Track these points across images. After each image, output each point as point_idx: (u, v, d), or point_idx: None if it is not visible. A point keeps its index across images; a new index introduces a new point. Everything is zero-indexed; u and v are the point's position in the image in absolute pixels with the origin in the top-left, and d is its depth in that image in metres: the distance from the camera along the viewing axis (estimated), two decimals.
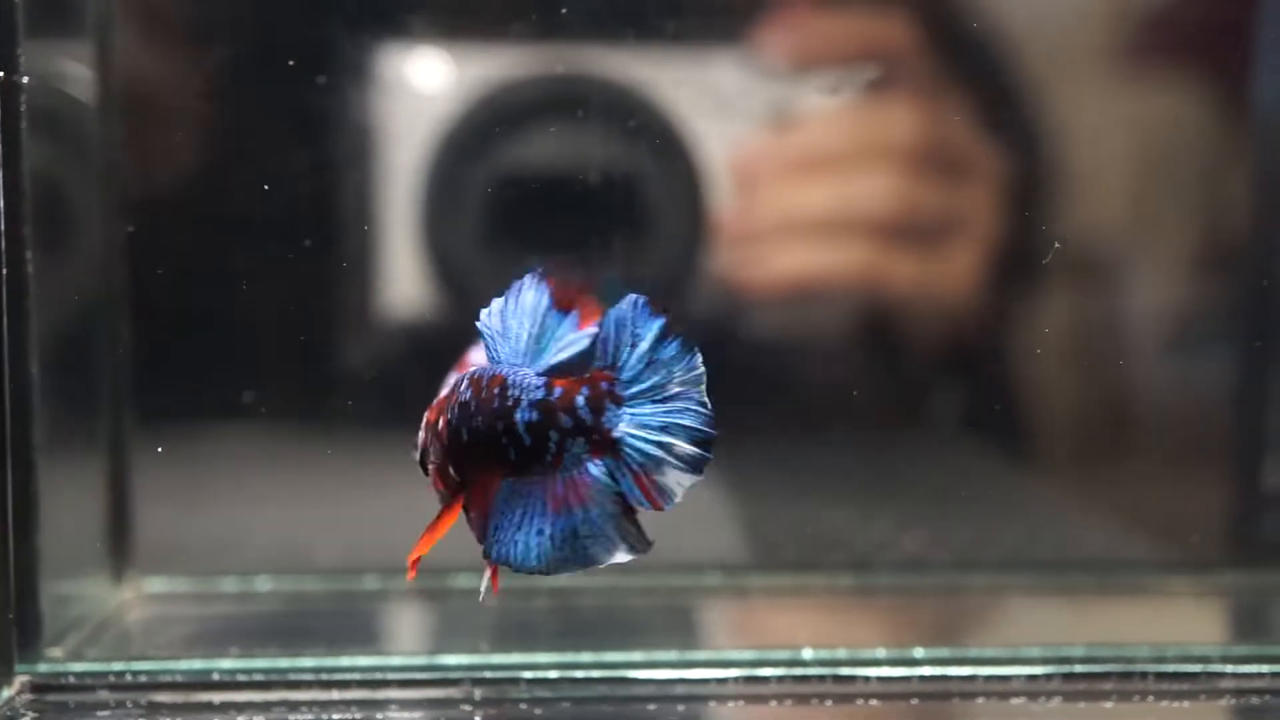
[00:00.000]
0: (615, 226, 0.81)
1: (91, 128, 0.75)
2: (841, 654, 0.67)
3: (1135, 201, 0.88)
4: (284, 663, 0.66)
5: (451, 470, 0.53)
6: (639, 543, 0.52)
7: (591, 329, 0.53)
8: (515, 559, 0.52)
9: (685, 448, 0.51)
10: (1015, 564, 0.84)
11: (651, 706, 0.64)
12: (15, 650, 0.64)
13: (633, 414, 0.51)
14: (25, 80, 0.66)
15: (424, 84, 0.82)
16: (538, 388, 0.52)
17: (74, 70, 0.74)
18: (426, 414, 0.55)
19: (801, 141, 0.84)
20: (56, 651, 0.67)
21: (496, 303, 0.54)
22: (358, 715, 0.62)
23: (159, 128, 0.80)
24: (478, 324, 0.54)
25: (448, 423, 0.53)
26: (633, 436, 0.51)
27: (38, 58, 0.67)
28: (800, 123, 0.83)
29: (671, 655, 0.67)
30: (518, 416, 0.52)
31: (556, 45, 0.82)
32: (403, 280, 0.83)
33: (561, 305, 0.54)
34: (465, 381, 0.53)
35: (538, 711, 0.63)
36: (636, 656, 0.67)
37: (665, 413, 0.52)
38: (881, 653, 0.67)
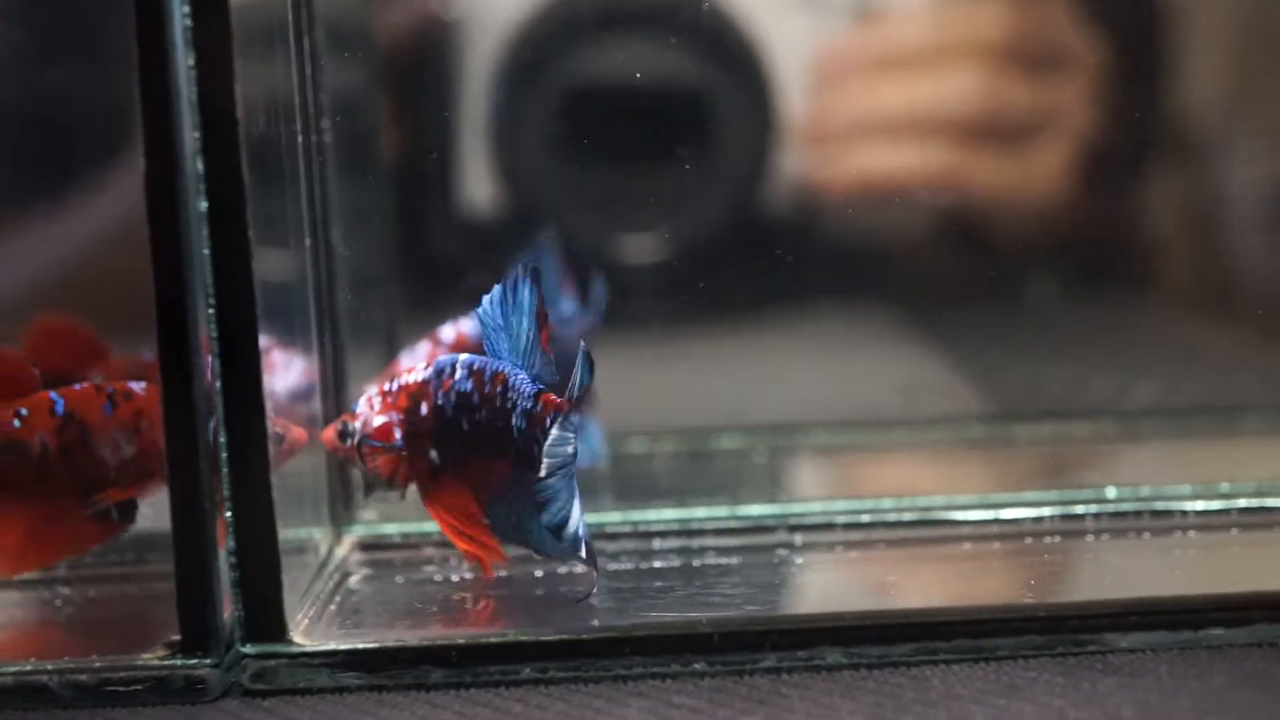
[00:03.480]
0: (686, 131, 0.80)
1: None
2: (1145, 491, 0.67)
3: (1236, 78, 0.86)
4: (590, 518, 0.67)
5: (434, 453, 0.58)
6: None
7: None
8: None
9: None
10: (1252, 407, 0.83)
11: (966, 546, 0.64)
12: (342, 512, 0.66)
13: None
14: None
15: None
16: (529, 396, 0.56)
17: None
18: (380, 394, 0.59)
19: (884, 37, 0.82)
20: (370, 514, 0.68)
21: (495, 293, 0.57)
22: (676, 563, 0.63)
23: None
24: (478, 313, 0.57)
25: (437, 408, 0.57)
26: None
27: None
28: (883, 18, 0.81)
29: (973, 499, 0.67)
30: (513, 421, 0.56)
31: None
32: None
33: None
34: (462, 370, 0.57)
35: (852, 554, 0.64)
36: (938, 500, 0.67)
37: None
38: (1187, 488, 0.67)
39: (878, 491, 0.68)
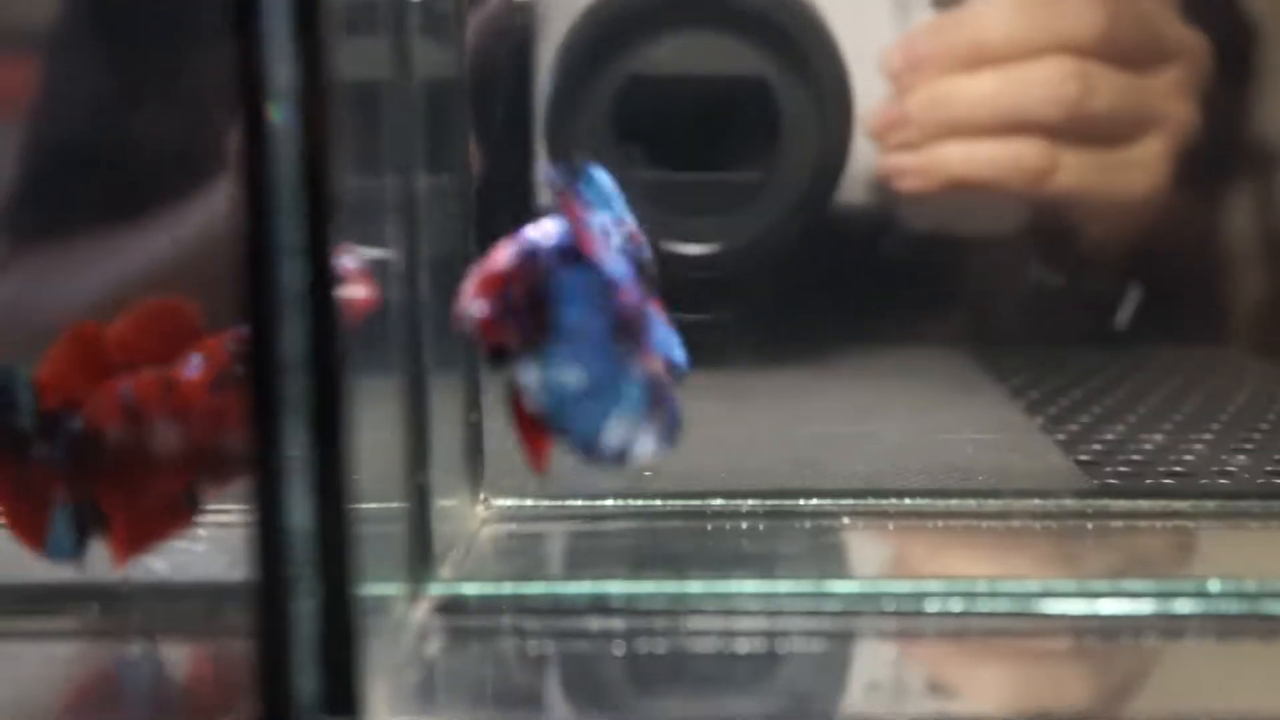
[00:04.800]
0: (756, 127, 0.77)
1: None
2: (1250, 586, 0.64)
3: None
4: (672, 587, 0.65)
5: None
6: None
7: None
8: None
9: None
10: None
11: (1064, 644, 0.62)
12: (421, 571, 0.65)
13: None
14: None
15: None
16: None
17: None
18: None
19: (971, 28, 0.79)
20: (445, 571, 0.67)
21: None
22: (760, 648, 0.61)
23: None
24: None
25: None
26: None
27: None
28: (969, 7, 0.78)
29: (1070, 585, 0.65)
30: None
31: None
32: None
33: None
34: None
35: (944, 649, 0.62)
36: (1033, 587, 0.65)
37: None
38: None
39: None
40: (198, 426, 0.58)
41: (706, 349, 0.75)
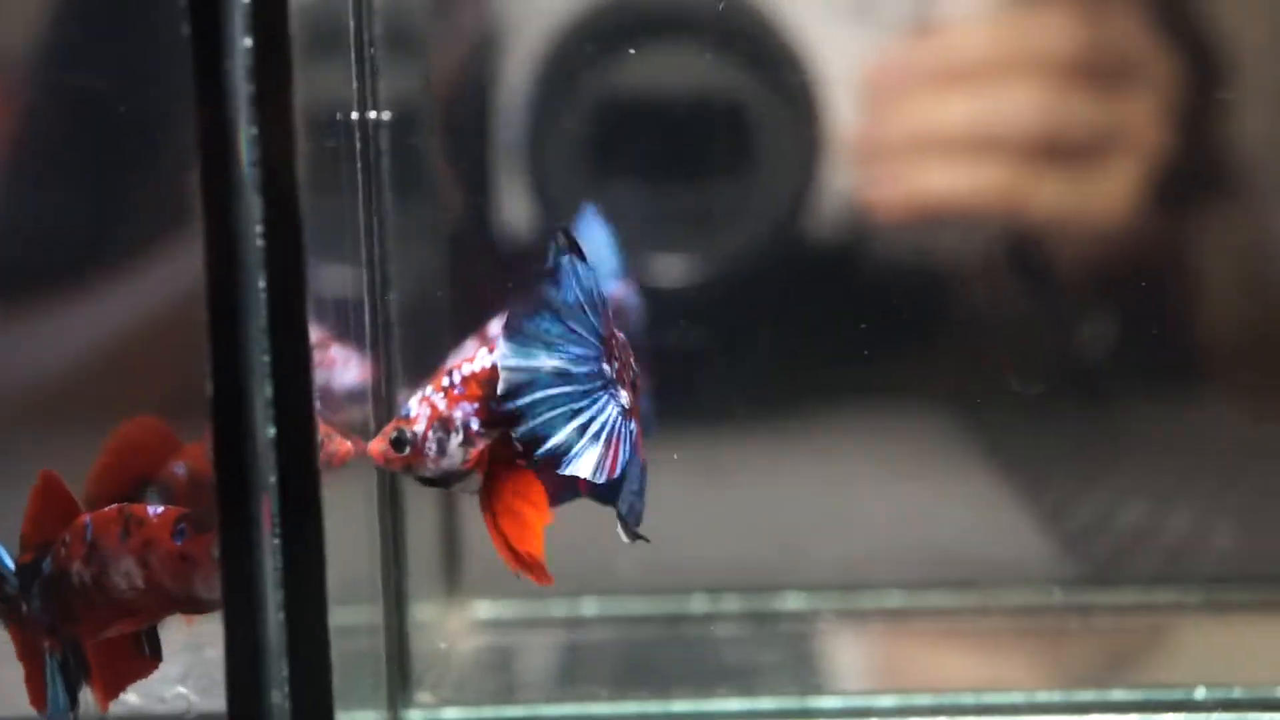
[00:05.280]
0: (724, 148, 0.76)
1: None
2: (1236, 694, 0.64)
3: None
4: (655, 707, 0.65)
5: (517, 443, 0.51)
6: None
7: None
8: None
9: None
10: None
11: None
12: (400, 695, 0.64)
13: None
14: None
15: None
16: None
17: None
18: (440, 390, 0.52)
19: (943, 49, 0.79)
20: (425, 696, 0.66)
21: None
22: None
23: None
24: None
25: None
26: None
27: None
28: (942, 28, 0.78)
29: (1056, 697, 0.64)
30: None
31: None
32: None
33: None
34: None
35: None
36: (1018, 699, 0.64)
37: None
38: None
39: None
40: (160, 568, 0.57)
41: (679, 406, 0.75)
